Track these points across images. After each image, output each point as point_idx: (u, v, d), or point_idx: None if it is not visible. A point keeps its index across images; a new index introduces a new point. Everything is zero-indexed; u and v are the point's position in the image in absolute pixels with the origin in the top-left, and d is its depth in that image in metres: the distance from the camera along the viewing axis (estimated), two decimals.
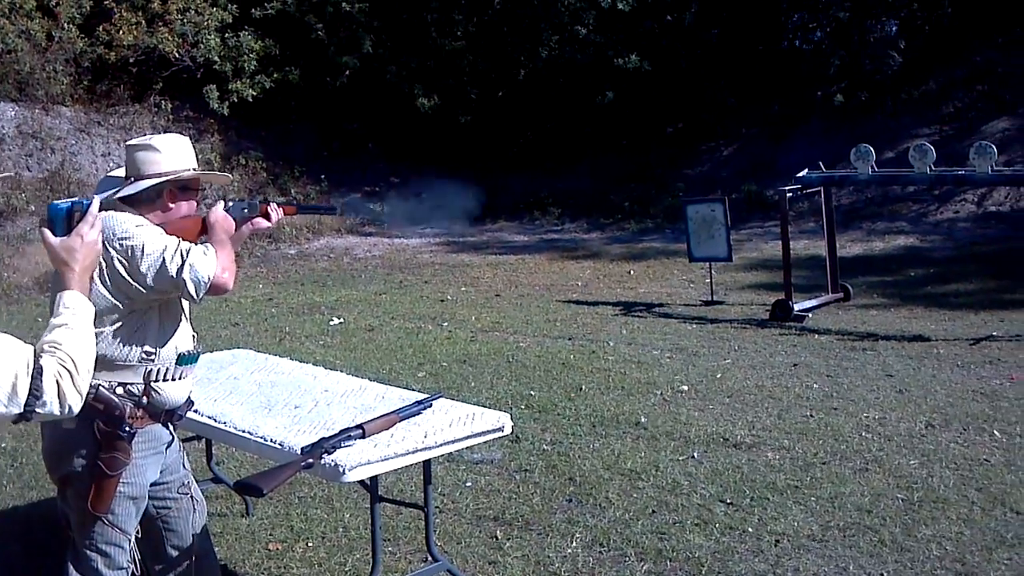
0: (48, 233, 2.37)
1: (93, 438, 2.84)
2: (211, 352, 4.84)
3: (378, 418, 3.43)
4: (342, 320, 10.54)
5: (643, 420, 6.36)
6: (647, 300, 11.40)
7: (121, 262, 2.79)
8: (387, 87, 19.74)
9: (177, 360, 2.98)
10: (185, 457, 3.27)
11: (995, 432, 5.94)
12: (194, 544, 3.23)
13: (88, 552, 2.94)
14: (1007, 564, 4.16)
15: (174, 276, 2.79)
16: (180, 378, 3.01)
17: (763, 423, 6.27)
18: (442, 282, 13.36)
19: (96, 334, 2.38)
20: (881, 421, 6.24)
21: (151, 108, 18.47)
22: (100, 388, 2.81)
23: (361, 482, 3.40)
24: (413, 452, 3.34)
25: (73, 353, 2.12)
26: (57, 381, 2.07)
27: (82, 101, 18.00)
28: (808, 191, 11.11)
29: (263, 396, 4.03)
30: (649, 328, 9.71)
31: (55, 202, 2.49)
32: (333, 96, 19.65)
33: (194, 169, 3.07)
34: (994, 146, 9.49)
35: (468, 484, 5.29)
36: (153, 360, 2.92)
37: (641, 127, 20.21)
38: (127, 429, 2.85)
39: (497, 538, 4.57)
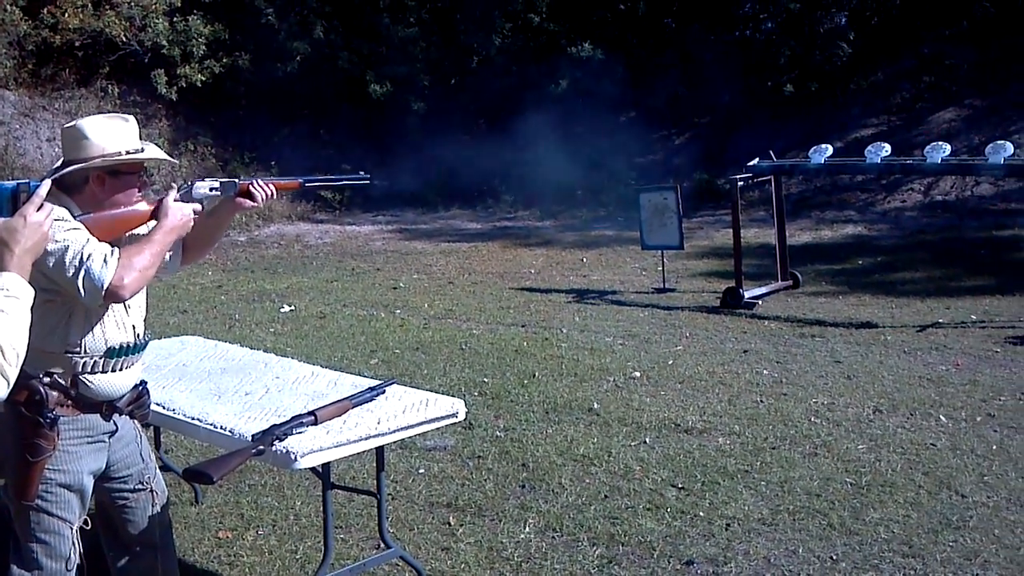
0: None
1: (18, 424, 2.76)
2: (159, 339, 4.77)
3: (330, 404, 3.39)
4: (293, 307, 10.45)
5: (596, 406, 6.38)
6: (600, 287, 11.44)
7: None
8: (339, 73, 19.58)
9: (107, 353, 2.87)
10: (145, 449, 3.19)
11: (941, 417, 6.04)
12: (154, 536, 3.17)
13: (27, 543, 2.86)
14: (952, 546, 4.23)
15: (70, 277, 2.67)
16: (116, 370, 2.91)
17: (714, 409, 6.32)
18: (394, 269, 13.29)
19: None
20: (830, 406, 6.32)
21: (98, 93, 18.16)
22: (23, 373, 2.73)
23: (313, 469, 3.37)
24: (366, 438, 3.31)
25: (1, 336, 2.05)
26: None
27: (26, 85, 17.64)
28: (759, 180, 11.21)
29: (212, 383, 3.98)
30: (602, 315, 9.74)
31: (0, 182, 2.41)
32: (283, 82, 19.43)
33: (126, 152, 2.86)
34: (946, 144, 9.67)
35: (421, 471, 5.28)
36: (79, 352, 2.82)
37: (594, 115, 20.25)
38: (48, 416, 2.74)
39: (450, 524, 4.56)
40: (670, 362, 7.62)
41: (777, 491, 4.89)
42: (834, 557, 4.15)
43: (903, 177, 15.65)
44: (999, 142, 9.35)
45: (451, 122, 20.24)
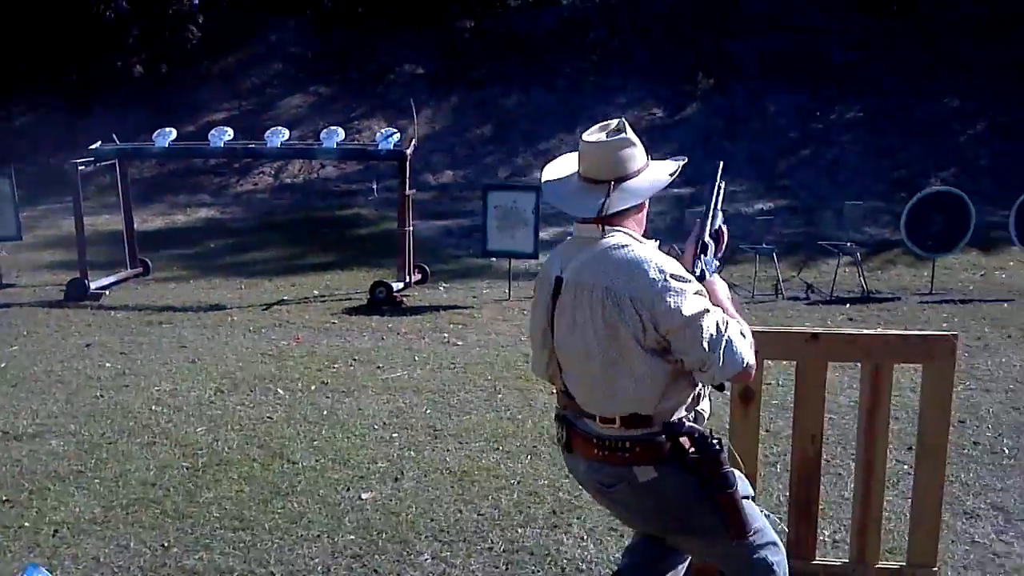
0: None
1: (690, 469, 2.51)
2: None
3: None
4: None
5: None
6: None
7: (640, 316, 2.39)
8: None
9: None
10: None
11: (279, 390, 6.35)
12: None
13: (754, 558, 2.64)
14: (280, 513, 4.45)
15: (704, 345, 2.35)
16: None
17: (49, 410, 5.97)
18: None
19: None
20: (172, 393, 6.31)
21: None
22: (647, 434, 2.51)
23: None
24: None
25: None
26: None
27: None
28: (107, 164, 10.80)
29: None
30: None
31: None
32: None
33: (667, 175, 2.58)
34: (286, 129, 10.16)
35: None
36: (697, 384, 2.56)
37: None
38: (715, 441, 2.52)
39: None
40: (3, 365, 7.03)
41: (112, 487, 4.76)
42: (165, 544, 4.14)
43: (255, 161, 16.14)
44: (332, 128, 10.10)
45: None
